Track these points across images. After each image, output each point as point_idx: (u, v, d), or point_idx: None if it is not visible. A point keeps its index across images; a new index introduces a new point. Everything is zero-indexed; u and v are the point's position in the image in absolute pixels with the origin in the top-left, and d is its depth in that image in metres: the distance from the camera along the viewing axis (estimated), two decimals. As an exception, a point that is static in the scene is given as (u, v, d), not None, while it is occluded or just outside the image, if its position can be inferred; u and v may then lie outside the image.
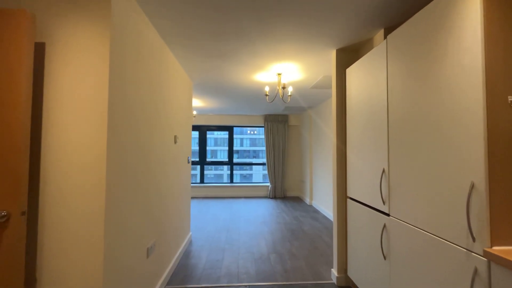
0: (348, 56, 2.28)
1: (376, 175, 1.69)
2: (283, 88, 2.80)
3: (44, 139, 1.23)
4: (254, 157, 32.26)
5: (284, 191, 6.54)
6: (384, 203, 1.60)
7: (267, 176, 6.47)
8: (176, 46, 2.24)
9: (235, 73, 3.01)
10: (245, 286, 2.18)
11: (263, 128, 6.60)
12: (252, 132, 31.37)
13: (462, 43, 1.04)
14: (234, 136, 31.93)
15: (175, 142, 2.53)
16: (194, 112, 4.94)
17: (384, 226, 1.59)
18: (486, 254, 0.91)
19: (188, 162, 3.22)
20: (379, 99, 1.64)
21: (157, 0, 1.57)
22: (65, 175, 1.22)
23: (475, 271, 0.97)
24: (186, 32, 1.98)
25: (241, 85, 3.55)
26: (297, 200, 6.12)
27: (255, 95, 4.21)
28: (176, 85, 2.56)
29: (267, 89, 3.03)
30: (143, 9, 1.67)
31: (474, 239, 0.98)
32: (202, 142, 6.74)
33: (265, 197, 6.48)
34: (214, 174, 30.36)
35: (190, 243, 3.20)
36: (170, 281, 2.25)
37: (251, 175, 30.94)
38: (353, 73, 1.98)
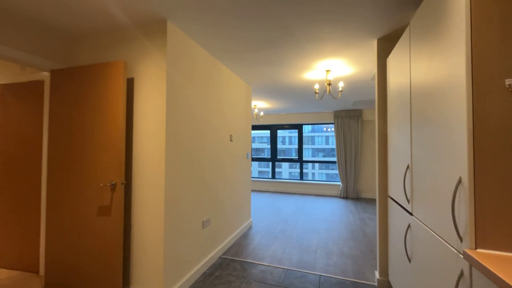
0: (389, 44, 2.10)
1: (402, 171, 1.57)
2: (329, 84, 2.81)
3: (134, 139, 1.92)
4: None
5: (358, 192, 6.10)
6: (408, 201, 1.49)
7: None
8: (227, 60, 2.72)
9: (286, 75, 3.24)
10: (283, 269, 2.41)
11: (333, 125, 6.38)
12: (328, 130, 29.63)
13: (452, 18, 0.95)
14: (318, 133, 31.01)
15: (231, 140, 3.03)
16: (261, 113, 5.43)
17: (409, 226, 1.48)
18: (466, 256, 0.84)
19: (248, 158, 3.69)
20: (405, 88, 1.52)
21: (202, 31, 2.05)
22: (142, 161, 1.88)
23: (461, 273, 0.89)
24: (233, 47, 2.41)
25: (294, 85, 3.72)
26: (372, 202, 5.60)
27: (308, 93, 4.26)
28: (231, 92, 3.07)
29: (316, 86, 3.10)
30: (194, 40, 2.20)
31: (461, 239, 0.89)
32: (273, 140, 7.19)
33: (336, 196, 6.26)
34: (296, 172, 30.63)
35: (250, 228, 3.67)
36: (225, 252, 2.76)
37: (337, 174, 29.31)
38: (391, 62, 1.85)
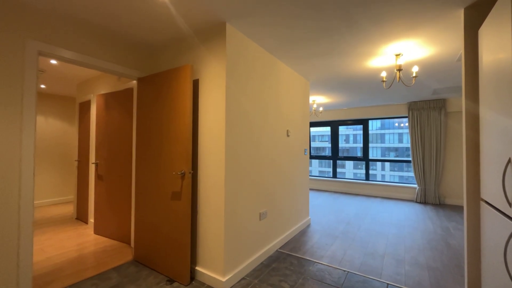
0: (480, 13, 1.69)
1: (501, 166, 1.25)
2: (399, 70, 2.47)
3: (199, 134, 2.15)
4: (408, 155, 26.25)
5: (440, 197, 5.15)
6: (510, 204, 1.18)
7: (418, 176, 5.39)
8: (284, 55, 2.72)
9: (347, 65, 3.02)
10: (344, 270, 2.26)
11: (407, 119, 5.56)
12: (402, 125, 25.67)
13: None
14: (388, 130, 27.62)
15: (288, 135, 3.03)
16: (320, 109, 5.20)
17: (511, 236, 1.17)
18: None
19: (305, 154, 3.61)
20: (506, 64, 1.20)
21: (261, 30, 2.12)
22: (206, 155, 2.08)
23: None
24: (290, 39, 2.41)
25: (357, 75, 3.42)
26: (460, 210, 4.64)
27: (374, 83, 3.82)
28: (288, 87, 3.05)
29: (383, 74, 2.78)
30: (252, 39, 2.29)
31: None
32: (334, 137, 6.79)
33: (411, 200, 5.45)
34: (361, 173, 27.99)
35: (308, 226, 3.58)
36: (282, 247, 2.78)
37: (412, 177, 25.46)
38: (484, 34, 1.49)
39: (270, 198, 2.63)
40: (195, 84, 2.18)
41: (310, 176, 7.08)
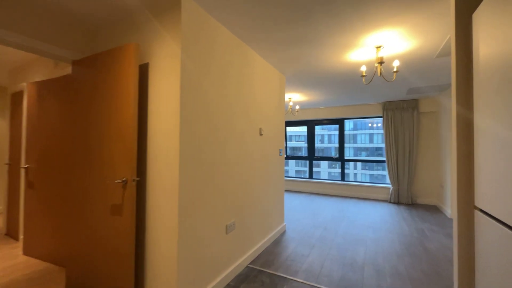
0: (474, -6, 1.50)
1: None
2: (381, 63, 2.26)
3: (148, 130, 1.72)
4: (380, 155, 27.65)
5: (413, 197, 5.20)
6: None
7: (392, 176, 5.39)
8: (256, 42, 2.38)
9: (325, 57, 2.77)
10: (321, 288, 1.98)
11: (381, 119, 5.55)
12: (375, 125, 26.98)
13: None
14: (360, 131, 28.81)
15: (261, 134, 2.70)
16: (297, 107, 4.97)
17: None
18: None
19: (280, 155, 3.31)
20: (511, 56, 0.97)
21: (224, 4, 1.75)
22: (157, 157, 1.66)
23: None
24: (261, 23, 2.07)
25: (335, 70, 3.20)
26: (432, 209, 4.69)
27: (352, 79, 3.66)
28: (261, 80, 2.73)
29: (363, 69, 2.57)
30: (215, 17, 1.91)
31: None
32: (310, 137, 6.65)
33: (385, 201, 5.45)
34: (335, 172, 28.82)
35: (283, 233, 3.29)
36: (253, 261, 2.44)
37: (384, 176, 26.79)
38: (481, 19, 1.28)
39: (240, 207, 2.28)
40: (145, 69, 1.75)
41: (286, 177, 6.86)
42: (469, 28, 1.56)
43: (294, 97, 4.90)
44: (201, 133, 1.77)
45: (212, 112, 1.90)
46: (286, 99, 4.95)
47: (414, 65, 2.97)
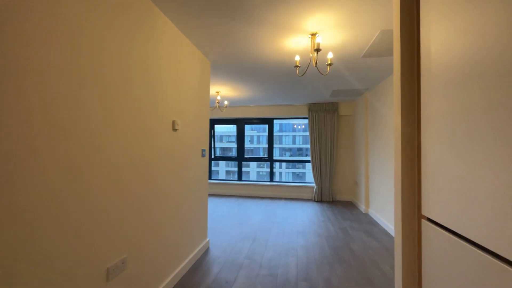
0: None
1: (506, 191, 0.77)
2: (317, 50, 1.98)
3: None
4: (307, 155, 30.72)
5: (333, 194, 5.51)
6: None
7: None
8: (168, 10, 1.71)
9: (258, 40, 2.34)
10: (250, 334, 1.50)
11: (307, 120, 5.70)
12: (301, 126, 29.83)
13: None
14: (285, 133, 31.04)
15: (175, 128, 2.03)
16: (225, 102, 4.47)
17: None
18: None
19: (203, 156, 2.71)
20: (482, 53, 0.70)
21: None
22: None
23: None
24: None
25: (267, 58, 2.84)
26: (349, 206, 5.04)
27: (287, 73, 3.44)
28: (177, 59, 2.06)
29: (297, 58, 2.26)
30: None
31: None
32: (240, 136, 6.28)
33: (310, 199, 5.59)
34: (264, 172, 30.12)
35: (205, 251, 2.69)
36: (159, 306, 1.75)
37: (304, 173, 29.60)
38: (438, 6, 1.05)
39: (136, 233, 1.55)
40: None
41: (215, 179, 6.27)
42: (417, 12, 1.34)
43: (223, 91, 4.37)
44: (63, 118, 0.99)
45: (94, 87, 1.13)
46: (213, 92, 4.37)
47: (343, 62, 2.91)
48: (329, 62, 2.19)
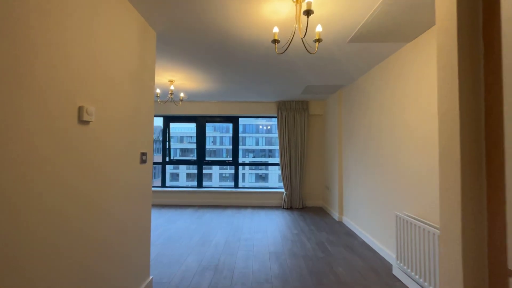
0: None
1: None
2: (308, 13, 1.42)
3: None
4: (270, 156, 30.75)
5: (303, 200, 5.09)
6: None
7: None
8: None
9: (220, 2, 1.67)
10: None
11: (276, 119, 5.20)
12: (266, 127, 29.79)
13: None
14: (248, 134, 30.63)
15: (82, 120, 1.24)
16: (181, 94, 3.67)
17: None
18: None
19: (143, 162, 1.92)
20: None
21: None
22: None
23: None
24: None
25: (235, 32, 2.20)
26: (321, 212, 4.66)
27: (258, 53, 2.84)
28: (95, 19, 1.27)
29: (275, 30, 1.66)
30: None
31: None
32: (201, 136, 5.49)
33: (279, 207, 5.09)
34: (227, 173, 29.15)
35: (146, 297, 1.90)
36: None
37: (267, 175, 29.48)
38: None
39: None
40: None
41: (172, 188, 5.34)
42: None
43: (177, 80, 3.56)
44: None
45: None
46: (165, 80, 3.53)
47: (326, 46, 2.42)
48: (317, 37, 1.64)
